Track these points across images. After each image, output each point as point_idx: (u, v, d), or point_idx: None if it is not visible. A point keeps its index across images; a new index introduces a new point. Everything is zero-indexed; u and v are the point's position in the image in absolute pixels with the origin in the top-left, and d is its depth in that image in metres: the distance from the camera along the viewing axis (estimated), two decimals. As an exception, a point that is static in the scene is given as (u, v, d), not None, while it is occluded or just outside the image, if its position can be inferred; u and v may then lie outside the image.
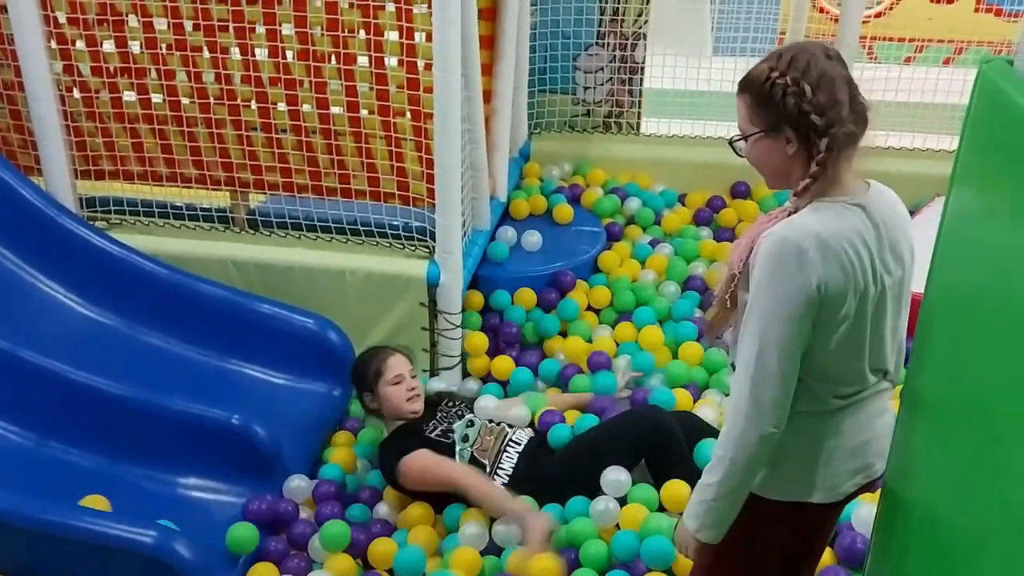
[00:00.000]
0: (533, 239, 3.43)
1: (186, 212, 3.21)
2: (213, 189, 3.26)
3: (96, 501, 2.34)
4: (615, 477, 2.35)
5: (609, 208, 3.76)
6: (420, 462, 2.49)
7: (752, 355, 1.45)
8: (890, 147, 3.91)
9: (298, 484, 2.55)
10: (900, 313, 1.55)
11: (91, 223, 3.03)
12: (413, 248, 3.02)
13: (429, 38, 2.69)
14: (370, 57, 2.85)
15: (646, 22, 4.12)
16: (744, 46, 4.15)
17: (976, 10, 6.61)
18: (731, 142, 1.53)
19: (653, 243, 3.60)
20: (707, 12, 4.84)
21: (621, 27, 4.15)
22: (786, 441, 1.50)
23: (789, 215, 1.48)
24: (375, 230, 3.03)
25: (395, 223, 3.00)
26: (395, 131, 2.95)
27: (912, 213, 3.51)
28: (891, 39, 5.19)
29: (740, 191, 3.90)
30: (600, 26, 4.14)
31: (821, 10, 4.98)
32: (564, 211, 3.63)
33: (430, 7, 2.61)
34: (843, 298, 1.43)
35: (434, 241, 2.95)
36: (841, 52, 1.49)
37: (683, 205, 3.91)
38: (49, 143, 3.00)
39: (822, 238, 1.40)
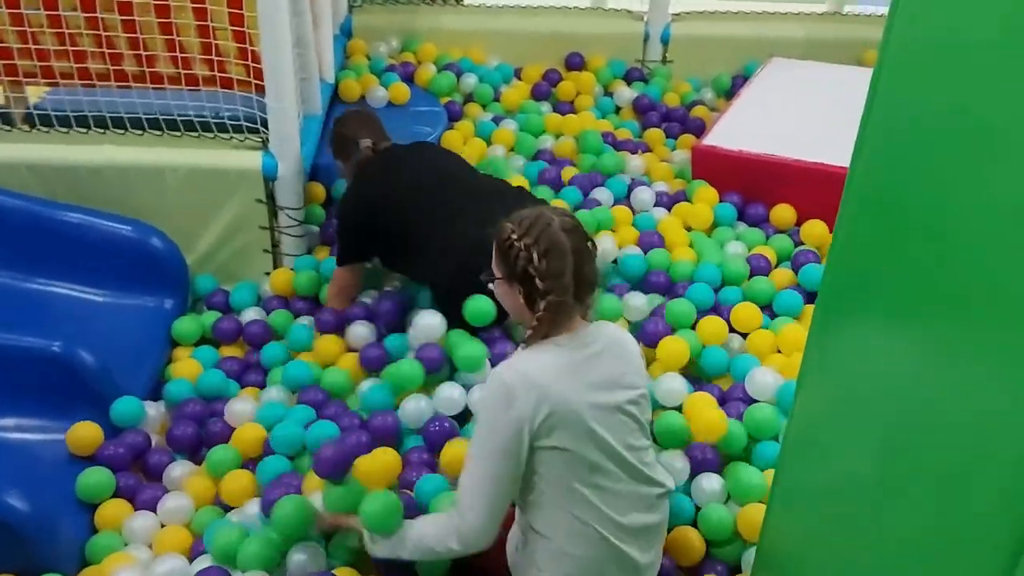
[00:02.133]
0: (369, 120, 3.16)
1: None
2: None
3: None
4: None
5: (445, 86, 3.55)
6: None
7: (465, 481, 1.57)
8: (718, 11, 3.92)
9: (152, 414, 2.29)
10: (641, 433, 1.64)
11: None
12: (242, 139, 2.70)
13: None
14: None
15: None
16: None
17: None
18: (482, 279, 1.69)
19: (496, 120, 3.45)
20: None
21: None
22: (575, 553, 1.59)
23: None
24: (185, 120, 2.67)
25: (213, 112, 2.66)
26: (204, 3, 2.59)
27: (746, 79, 3.62)
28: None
29: (575, 63, 3.79)
30: None
31: None
32: (400, 90, 3.38)
33: None
34: (553, 429, 1.52)
35: (266, 129, 2.65)
36: None
37: (519, 79, 3.76)
38: None
39: (530, 377, 1.52)
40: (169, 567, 1.86)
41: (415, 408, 2.13)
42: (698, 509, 1.95)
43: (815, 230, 2.67)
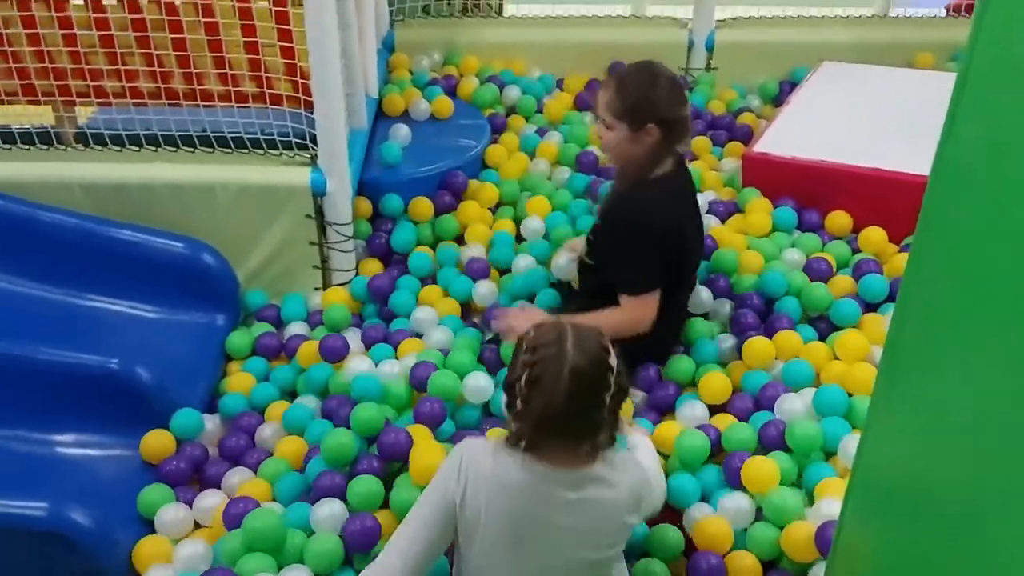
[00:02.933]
0: (402, 133, 3.16)
1: (17, 134, 2.73)
2: (34, 102, 2.80)
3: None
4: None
5: (488, 98, 3.54)
6: None
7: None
8: (764, 17, 3.88)
9: (210, 428, 2.31)
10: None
11: None
12: (291, 155, 2.71)
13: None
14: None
15: None
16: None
17: None
18: None
19: (540, 132, 3.43)
20: None
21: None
22: None
23: None
24: (235, 137, 2.69)
25: (263, 128, 2.67)
26: (252, 20, 2.60)
27: (793, 85, 3.57)
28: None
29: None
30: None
31: None
32: (443, 104, 3.38)
33: None
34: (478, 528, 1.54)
35: (314, 145, 2.66)
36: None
37: (561, 90, 3.74)
38: None
39: (488, 478, 1.51)
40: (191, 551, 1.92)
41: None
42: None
43: (873, 236, 2.61)
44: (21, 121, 2.83)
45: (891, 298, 2.40)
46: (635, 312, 2.18)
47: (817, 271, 2.52)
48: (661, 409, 2.29)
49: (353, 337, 2.56)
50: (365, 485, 1.97)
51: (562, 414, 1.44)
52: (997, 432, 0.96)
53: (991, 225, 0.97)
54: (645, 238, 2.13)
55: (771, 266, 2.54)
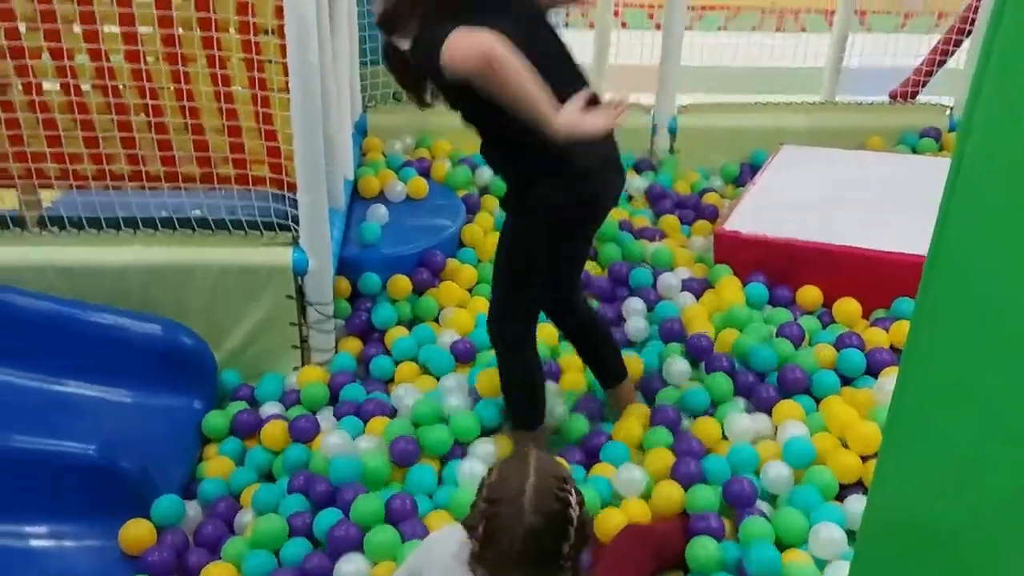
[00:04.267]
0: (380, 212, 3.21)
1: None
2: (4, 186, 2.78)
3: None
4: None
5: (462, 179, 3.61)
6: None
7: None
8: (721, 104, 4.05)
9: (191, 514, 2.25)
10: None
11: None
12: (273, 236, 2.71)
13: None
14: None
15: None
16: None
17: None
18: None
19: (513, 212, 3.49)
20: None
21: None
22: None
23: None
24: (214, 220, 2.70)
25: (245, 210, 2.68)
26: (231, 103, 2.64)
27: (754, 167, 3.73)
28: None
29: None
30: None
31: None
32: (418, 185, 3.43)
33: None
34: None
35: (295, 225, 2.67)
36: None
37: (531, 172, 3.82)
38: None
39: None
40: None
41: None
42: None
43: (847, 307, 2.70)
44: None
45: (868, 371, 2.47)
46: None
47: (790, 336, 2.59)
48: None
49: (327, 416, 2.54)
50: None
51: (517, 567, 1.44)
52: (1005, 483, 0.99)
53: (993, 285, 1.02)
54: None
55: (748, 338, 2.59)
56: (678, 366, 2.52)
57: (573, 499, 1.48)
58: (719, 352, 2.56)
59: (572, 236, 2.13)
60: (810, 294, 2.83)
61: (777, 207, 3.09)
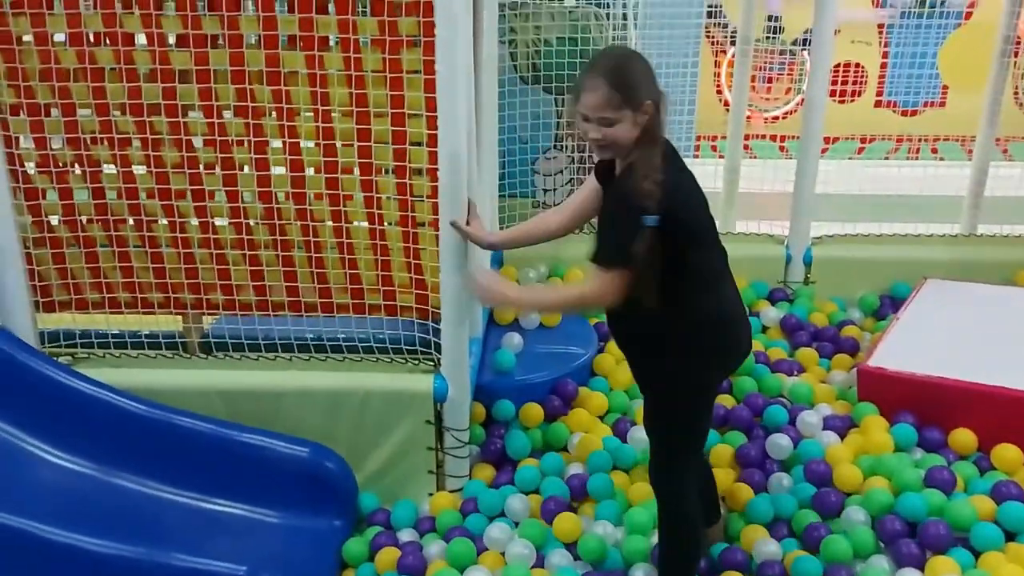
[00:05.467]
0: (515, 341, 3.29)
1: (146, 341, 2.93)
2: (178, 313, 3.00)
3: None
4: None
5: (594, 308, 3.67)
6: None
7: None
8: (859, 234, 4.01)
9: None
10: None
11: (55, 359, 2.72)
12: (416, 362, 2.82)
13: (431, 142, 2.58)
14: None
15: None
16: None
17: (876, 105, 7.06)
18: None
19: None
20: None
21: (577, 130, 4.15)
22: None
23: None
24: (362, 345, 2.83)
25: (384, 336, 2.82)
26: (384, 240, 2.81)
27: (894, 300, 3.64)
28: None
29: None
30: (557, 129, 4.14)
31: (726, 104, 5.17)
32: (554, 315, 3.50)
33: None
34: None
35: (437, 352, 2.77)
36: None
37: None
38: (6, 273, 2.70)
39: None
40: None
41: None
42: None
43: (1008, 454, 2.55)
44: (150, 328, 3.02)
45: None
46: (601, 285, 2.08)
47: (942, 483, 2.46)
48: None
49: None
50: None
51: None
52: None
53: None
54: (639, 216, 2.01)
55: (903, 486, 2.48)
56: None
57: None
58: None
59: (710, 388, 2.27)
60: (963, 437, 2.69)
61: (923, 343, 2.99)
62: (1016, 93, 6.02)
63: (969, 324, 3.14)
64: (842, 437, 2.82)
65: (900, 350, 2.95)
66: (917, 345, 2.98)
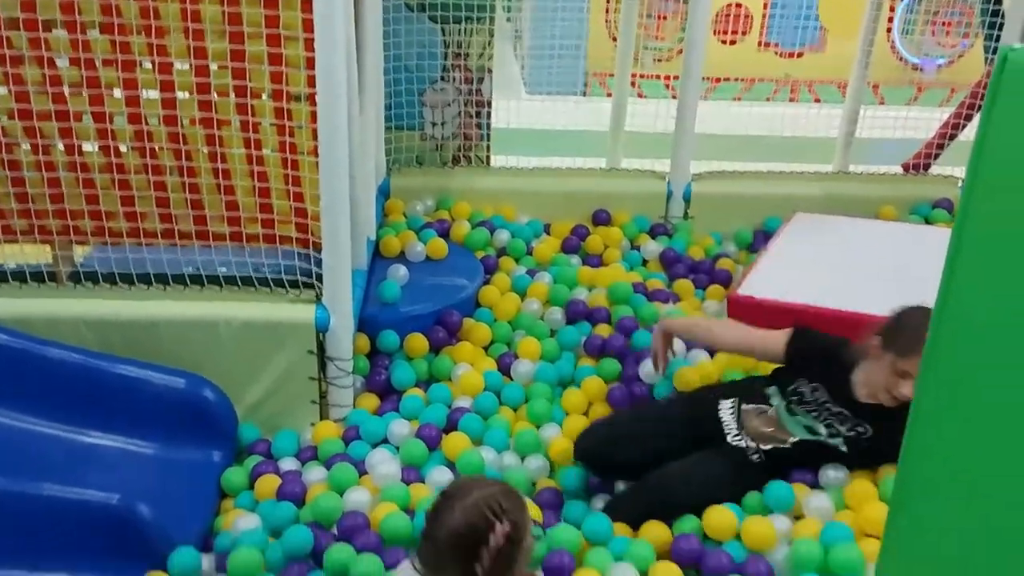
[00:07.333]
0: (400, 273, 3.28)
1: (10, 273, 2.79)
2: (44, 241, 2.87)
3: None
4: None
5: (480, 241, 3.69)
6: None
7: None
8: (736, 171, 4.14)
9: (207, 567, 2.28)
10: None
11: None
12: (297, 293, 2.79)
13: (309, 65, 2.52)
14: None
15: (491, 58, 4.12)
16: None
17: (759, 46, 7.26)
18: None
19: (530, 273, 3.56)
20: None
21: (466, 61, 4.12)
22: None
23: None
24: (241, 276, 2.77)
25: (264, 267, 2.77)
26: (261, 166, 2.74)
27: (767, 234, 3.79)
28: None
29: (602, 218, 3.96)
30: (445, 60, 4.10)
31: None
32: (438, 246, 3.52)
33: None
34: None
35: (319, 283, 2.75)
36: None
37: (549, 235, 3.91)
38: None
39: None
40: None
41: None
42: None
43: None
44: (17, 260, 2.88)
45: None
46: None
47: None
48: None
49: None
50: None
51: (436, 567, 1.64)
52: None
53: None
54: None
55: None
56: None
57: (501, 528, 1.59)
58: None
59: None
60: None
61: (790, 273, 3.15)
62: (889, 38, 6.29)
63: (835, 255, 3.31)
64: (712, 356, 2.96)
65: (768, 279, 3.09)
66: (785, 274, 3.13)
